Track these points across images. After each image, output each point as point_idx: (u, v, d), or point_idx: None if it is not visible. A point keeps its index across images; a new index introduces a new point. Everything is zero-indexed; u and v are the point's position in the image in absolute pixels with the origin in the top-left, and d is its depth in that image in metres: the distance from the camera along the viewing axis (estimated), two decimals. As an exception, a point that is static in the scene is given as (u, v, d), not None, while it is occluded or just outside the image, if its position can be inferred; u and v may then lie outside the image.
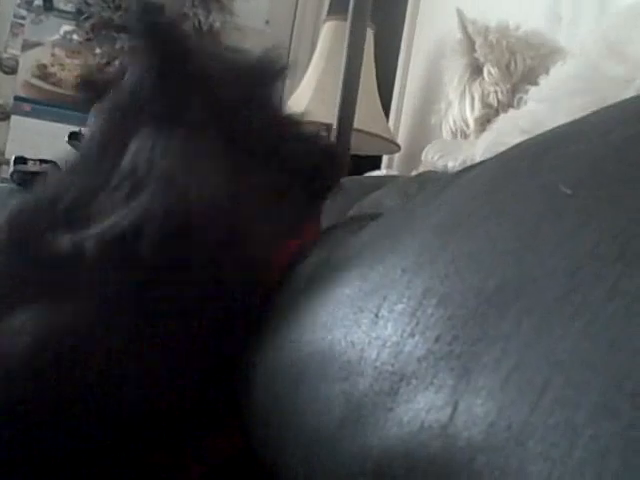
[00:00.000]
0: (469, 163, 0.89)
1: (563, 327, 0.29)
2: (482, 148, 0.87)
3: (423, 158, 1.16)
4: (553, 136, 0.39)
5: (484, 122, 1.10)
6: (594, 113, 0.39)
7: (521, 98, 0.96)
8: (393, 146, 2.35)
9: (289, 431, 0.43)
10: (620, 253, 0.30)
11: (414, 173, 1.24)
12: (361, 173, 1.72)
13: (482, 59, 1.19)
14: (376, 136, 2.25)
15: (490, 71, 1.15)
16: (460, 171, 0.43)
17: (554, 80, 0.88)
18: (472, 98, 1.13)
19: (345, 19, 1.88)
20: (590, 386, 0.27)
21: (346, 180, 1.56)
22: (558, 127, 0.39)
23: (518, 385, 0.30)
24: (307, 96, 2.31)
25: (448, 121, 1.25)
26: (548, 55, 1.21)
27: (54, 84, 3.45)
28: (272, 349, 0.50)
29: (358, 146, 2.13)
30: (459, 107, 1.18)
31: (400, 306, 0.38)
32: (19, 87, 3.43)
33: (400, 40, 2.65)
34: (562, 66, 0.89)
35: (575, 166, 0.35)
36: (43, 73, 3.44)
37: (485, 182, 0.40)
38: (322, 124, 2.17)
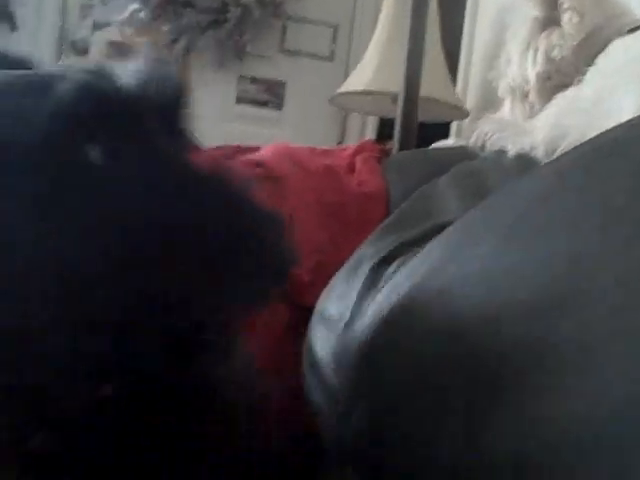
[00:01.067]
0: (528, 150, 0.87)
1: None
2: (542, 134, 0.86)
3: (476, 134, 1.13)
4: (606, 142, 0.39)
5: (545, 80, 1.07)
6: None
7: (581, 79, 0.93)
8: (461, 112, 2.32)
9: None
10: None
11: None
12: (429, 142, 1.70)
13: (566, 4, 1.15)
14: (443, 103, 2.22)
15: (571, 18, 1.11)
16: (517, 174, 0.43)
17: (619, 57, 0.86)
18: (536, 51, 1.10)
19: (408, -15, 1.86)
20: None
21: (410, 154, 1.56)
22: (611, 131, 0.39)
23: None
24: (372, 66, 2.29)
25: (507, 77, 1.21)
26: (618, 16, 1.18)
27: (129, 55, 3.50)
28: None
29: (425, 114, 2.11)
30: (520, 62, 1.15)
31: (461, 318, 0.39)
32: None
33: (465, 3, 2.60)
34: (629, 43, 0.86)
35: (629, 175, 0.35)
36: (116, 51, 3.50)
37: (542, 192, 0.40)
38: (388, 93, 2.16)
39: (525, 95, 1.15)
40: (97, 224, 0.45)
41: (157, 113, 0.50)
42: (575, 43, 1.06)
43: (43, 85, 0.48)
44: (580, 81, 0.93)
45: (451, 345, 0.38)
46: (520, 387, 0.32)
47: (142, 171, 0.47)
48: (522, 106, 1.17)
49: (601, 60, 0.92)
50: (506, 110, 1.21)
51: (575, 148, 0.41)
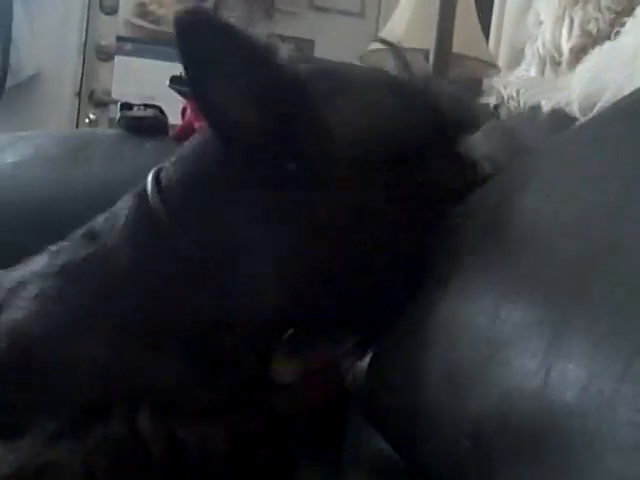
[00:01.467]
0: (563, 106, 0.86)
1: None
2: (579, 88, 0.84)
3: (503, 93, 1.10)
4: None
5: (579, 52, 1.04)
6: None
7: (618, 32, 0.91)
8: (494, 69, 2.29)
9: (387, 392, 0.45)
10: None
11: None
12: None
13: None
14: (476, 59, 2.19)
15: None
16: (551, 131, 0.43)
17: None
18: (571, 22, 1.07)
19: (440, -60, 1.83)
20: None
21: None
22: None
23: (609, 351, 0.31)
24: (404, 22, 2.27)
25: (536, 43, 1.17)
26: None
27: (153, 22, 3.50)
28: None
29: (457, 71, 2.08)
30: (553, 30, 1.11)
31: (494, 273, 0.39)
32: (120, 27, 3.50)
33: (498, -43, 2.55)
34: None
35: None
36: (142, 12, 3.49)
37: (577, 148, 0.40)
38: (420, 50, 2.13)
39: (557, 64, 1.12)
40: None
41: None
42: (612, 16, 1.03)
43: (417, 100, 0.56)
44: (618, 33, 0.91)
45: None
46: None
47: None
48: (554, 74, 1.14)
49: None
50: (533, 74, 1.18)
51: (617, 101, 0.40)
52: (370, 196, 0.53)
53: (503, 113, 1.12)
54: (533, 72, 1.15)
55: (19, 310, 0.54)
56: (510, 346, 0.35)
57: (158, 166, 0.58)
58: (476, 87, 1.77)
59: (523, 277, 0.37)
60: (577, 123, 0.73)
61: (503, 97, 1.09)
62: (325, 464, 0.94)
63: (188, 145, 0.59)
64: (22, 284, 0.56)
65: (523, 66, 1.21)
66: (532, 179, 0.42)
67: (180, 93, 1.08)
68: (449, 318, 0.41)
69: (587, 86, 0.83)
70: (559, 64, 1.08)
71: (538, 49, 1.13)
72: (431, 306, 0.44)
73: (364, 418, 0.59)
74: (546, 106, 0.91)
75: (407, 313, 0.47)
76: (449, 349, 0.40)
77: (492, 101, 1.15)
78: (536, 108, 0.94)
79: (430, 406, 0.41)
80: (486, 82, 1.22)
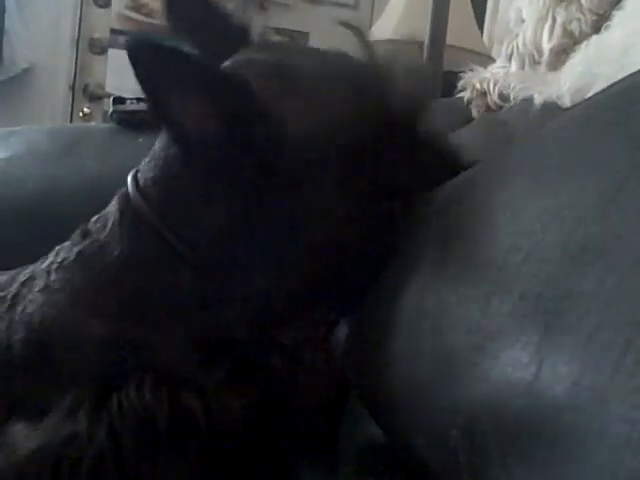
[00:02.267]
0: (555, 98, 0.86)
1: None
2: (569, 81, 0.84)
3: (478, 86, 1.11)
4: (638, 82, 0.38)
5: (559, 53, 1.04)
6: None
7: (608, 25, 0.90)
8: (488, 61, 2.28)
9: (382, 381, 0.45)
10: None
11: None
12: (455, 91, 1.68)
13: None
14: (470, 51, 2.19)
15: None
16: (548, 116, 0.42)
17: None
18: (553, 22, 1.07)
19: None
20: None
21: (435, 103, 1.54)
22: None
23: (600, 345, 0.30)
24: (397, 14, 2.26)
25: (516, 41, 1.17)
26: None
27: (147, 15, 3.48)
28: (368, 302, 0.52)
29: (451, 63, 2.08)
30: (534, 29, 1.11)
31: (486, 262, 0.38)
32: (114, 20, 3.49)
33: (492, -53, 2.54)
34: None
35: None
36: (136, 4, 3.48)
37: (569, 135, 0.40)
38: (414, 42, 2.13)
39: (536, 63, 1.12)
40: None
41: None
42: (594, 18, 1.02)
43: (367, 86, 0.59)
44: (607, 27, 0.91)
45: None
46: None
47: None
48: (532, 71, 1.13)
49: (629, 3, 0.89)
50: (513, 69, 1.18)
51: (605, 89, 0.40)
52: (325, 192, 0.57)
53: (474, 108, 1.12)
54: (513, 68, 1.15)
55: (30, 303, 0.61)
56: (501, 338, 0.35)
57: (136, 167, 0.64)
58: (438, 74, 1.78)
59: (513, 267, 0.36)
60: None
61: (477, 92, 1.09)
62: (320, 457, 0.94)
63: (158, 144, 0.63)
64: (32, 279, 0.63)
65: (498, 63, 1.21)
66: (518, 167, 0.42)
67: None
68: (439, 306, 0.41)
69: (578, 80, 0.83)
70: (538, 64, 1.08)
71: (518, 47, 1.13)
72: (421, 293, 0.44)
73: (363, 407, 0.59)
74: (538, 99, 0.91)
75: (397, 300, 0.46)
76: (439, 338, 0.39)
77: (467, 95, 1.16)
78: (528, 101, 0.94)
79: (421, 396, 0.41)
80: (463, 77, 1.22)
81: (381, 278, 0.53)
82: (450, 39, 1.88)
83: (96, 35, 3.42)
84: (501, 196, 0.41)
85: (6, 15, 3.10)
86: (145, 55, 0.52)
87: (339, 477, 0.89)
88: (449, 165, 0.59)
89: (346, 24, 0.65)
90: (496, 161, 0.47)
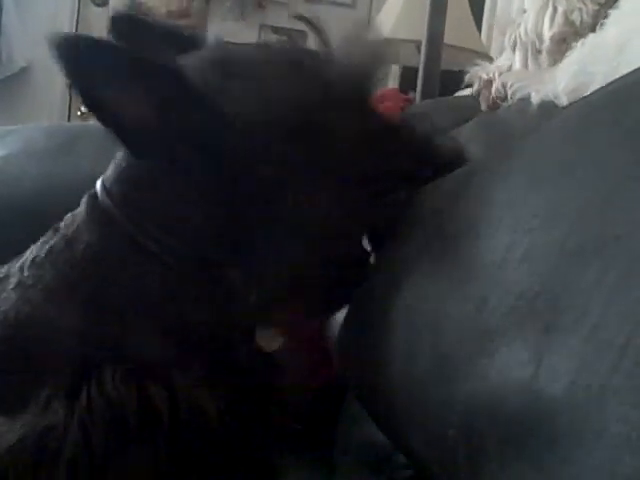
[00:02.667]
0: (552, 97, 0.86)
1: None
2: (565, 80, 0.84)
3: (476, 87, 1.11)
4: (635, 81, 0.38)
5: (560, 42, 1.04)
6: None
7: (603, 23, 0.90)
8: (486, 60, 2.28)
9: (379, 380, 0.45)
10: None
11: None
12: (452, 91, 1.68)
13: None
14: (468, 50, 2.18)
15: None
16: (546, 115, 0.42)
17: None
18: (554, 10, 1.07)
19: None
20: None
21: (432, 103, 1.54)
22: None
23: (599, 344, 0.30)
24: (395, 13, 2.26)
25: (518, 31, 1.17)
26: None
27: (144, 14, 3.47)
28: (364, 300, 0.52)
29: (449, 62, 2.08)
30: (536, 18, 1.11)
31: (484, 260, 0.38)
32: (111, 19, 3.47)
33: (490, -54, 2.54)
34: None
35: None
36: (133, 4, 3.47)
37: (567, 133, 0.39)
38: (411, 41, 2.13)
39: (538, 52, 1.12)
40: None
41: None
42: (595, 8, 1.03)
43: (306, 68, 0.60)
44: (602, 25, 0.91)
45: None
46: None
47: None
48: (534, 62, 1.14)
49: (625, 2, 0.89)
50: (516, 62, 1.18)
51: (602, 87, 0.40)
52: (268, 174, 0.57)
53: (483, 102, 1.12)
54: (517, 60, 1.15)
55: (4, 301, 0.61)
56: (499, 336, 0.35)
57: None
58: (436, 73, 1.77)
59: (511, 265, 0.36)
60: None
61: (484, 82, 1.10)
62: (316, 456, 0.94)
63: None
64: (6, 277, 0.63)
65: (504, 56, 1.21)
66: (517, 164, 0.42)
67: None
68: (437, 305, 0.41)
69: (573, 79, 0.83)
70: (540, 52, 1.08)
71: (520, 36, 1.13)
72: (418, 292, 0.44)
73: (361, 406, 0.59)
74: (535, 98, 0.91)
75: (394, 299, 0.46)
76: (437, 336, 0.39)
77: (474, 88, 1.16)
78: (525, 100, 0.94)
79: (418, 395, 0.40)
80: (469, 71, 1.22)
81: (377, 276, 0.53)
82: (448, 38, 1.87)
83: (94, 34, 3.41)
84: (499, 193, 0.41)
85: (4, 13, 3.10)
86: (71, 49, 0.52)
87: (337, 474, 0.89)
88: (440, 159, 0.58)
89: (301, 17, 0.66)
90: (495, 158, 0.47)
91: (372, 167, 0.59)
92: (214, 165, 0.58)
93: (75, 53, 0.53)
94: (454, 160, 0.57)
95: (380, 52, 0.64)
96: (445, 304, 0.40)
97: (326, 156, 0.58)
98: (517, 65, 1.18)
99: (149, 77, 0.55)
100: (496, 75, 1.10)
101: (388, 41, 2.02)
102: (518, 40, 1.12)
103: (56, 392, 0.55)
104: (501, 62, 1.19)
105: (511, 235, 0.38)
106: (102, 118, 0.56)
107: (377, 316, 0.50)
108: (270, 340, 0.65)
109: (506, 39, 1.18)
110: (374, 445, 0.82)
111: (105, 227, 0.61)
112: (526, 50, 1.10)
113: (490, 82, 1.12)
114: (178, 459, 0.57)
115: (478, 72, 1.15)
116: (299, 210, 0.57)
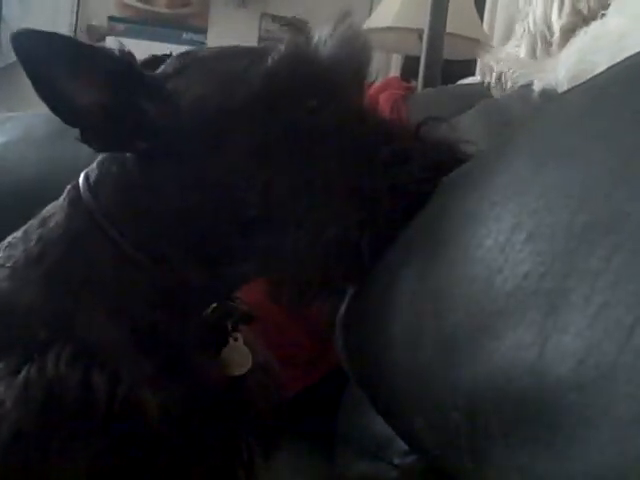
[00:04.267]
0: (554, 84, 0.85)
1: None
2: (564, 69, 0.83)
3: (482, 76, 1.10)
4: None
5: (569, 32, 1.03)
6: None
7: (603, 13, 0.90)
8: (488, 49, 2.28)
9: (382, 365, 0.44)
10: None
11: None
12: (454, 80, 1.67)
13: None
14: (470, 39, 2.18)
15: None
16: (549, 99, 0.42)
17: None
18: (562, 0, 1.06)
19: None
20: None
21: (434, 91, 1.53)
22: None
23: (606, 324, 0.30)
24: (397, 1, 2.25)
25: (527, 21, 1.16)
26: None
27: (147, 2, 3.47)
28: (366, 286, 0.52)
29: (451, 51, 2.07)
30: (544, 8, 1.10)
31: (489, 241, 0.38)
32: (112, 7, 3.47)
33: None
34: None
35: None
36: (134, -7, 3.46)
37: (575, 111, 0.39)
38: (413, 30, 2.12)
39: (548, 43, 1.11)
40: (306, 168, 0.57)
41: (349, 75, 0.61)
42: None
43: (252, 53, 0.61)
44: (604, 15, 0.90)
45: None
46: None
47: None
48: (545, 54, 1.13)
49: None
50: (523, 52, 1.17)
51: (607, 69, 0.39)
52: (220, 162, 0.59)
53: (495, 91, 1.11)
54: (523, 49, 1.14)
55: None
56: (504, 318, 0.34)
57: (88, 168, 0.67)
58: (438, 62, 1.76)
59: (517, 246, 0.36)
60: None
61: (494, 74, 1.09)
62: (316, 445, 0.94)
63: None
64: None
65: (513, 42, 1.20)
66: (522, 145, 0.41)
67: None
68: (440, 287, 0.40)
69: (574, 67, 0.82)
70: (550, 44, 1.07)
71: (529, 26, 1.12)
72: (421, 274, 0.43)
73: (361, 392, 0.59)
74: (537, 86, 0.90)
75: (397, 282, 0.46)
76: (441, 319, 0.39)
77: (486, 79, 1.15)
78: (528, 87, 0.94)
79: (421, 379, 0.40)
80: (480, 60, 1.21)
81: (380, 260, 0.53)
82: (450, 27, 1.87)
83: (94, 22, 3.41)
84: (504, 174, 0.41)
85: (4, 2, 3.08)
86: (27, 41, 0.55)
87: (337, 461, 0.89)
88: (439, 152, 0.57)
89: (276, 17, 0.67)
90: (500, 140, 0.46)
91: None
92: (170, 153, 0.60)
93: (28, 44, 0.55)
94: (454, 162, 0.55)
95: (364, 47, 0.64)
96: (449, 287, 0.39)
97: (281, 142, 0.58)
98: (522, 54, 1.17)
99: (100, 62, 0.58)
100: (506, 67, 1.09)
101: (369, 31, 2.03)
102: (526, 30, 1.11)
103: (9, 366, 0.57)
104: (510, 48, 1.18)
105: (516, 217, 0.37)
106: (56, 108, 0.58)
107: (380, 302, 0.49)
108: (238, 364, 0.66)
109: (516, 27, 1.17)
110: (374, 433, 0.82)
111: (72, 207, 0.64)
112: (534, 40, 1.09)
113: (501, 73, 1.10)
114: (116, 453, 0.57)
115: (489, 62, 1.14)
116: (266, 197, 0.57)
